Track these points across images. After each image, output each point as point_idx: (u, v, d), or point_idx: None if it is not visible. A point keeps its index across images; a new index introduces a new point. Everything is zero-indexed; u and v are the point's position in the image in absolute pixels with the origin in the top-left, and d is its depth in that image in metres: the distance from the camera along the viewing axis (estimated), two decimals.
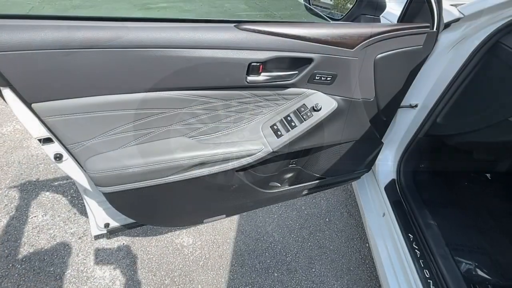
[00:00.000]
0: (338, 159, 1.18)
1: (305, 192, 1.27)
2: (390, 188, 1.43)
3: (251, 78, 0.78)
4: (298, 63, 0.82)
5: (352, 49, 0.83)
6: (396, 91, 1.08)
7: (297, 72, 0.83)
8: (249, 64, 0.75)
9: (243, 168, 0.96)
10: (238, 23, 0.73)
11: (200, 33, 0.68)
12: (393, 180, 1.46)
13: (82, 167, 0.75)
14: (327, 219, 1.80)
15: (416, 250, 1.15)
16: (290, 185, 1.24)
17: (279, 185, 1.24)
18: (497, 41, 0.97)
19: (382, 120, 1.16)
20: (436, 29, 0.97)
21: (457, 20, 1.07)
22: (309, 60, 0.81)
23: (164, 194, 0.90)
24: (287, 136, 0.91)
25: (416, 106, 1.28)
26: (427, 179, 1.58)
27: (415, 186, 1.43)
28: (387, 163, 1.49)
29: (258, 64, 0.76)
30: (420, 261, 1.11)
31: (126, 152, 0.75)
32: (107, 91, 0.67)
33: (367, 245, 1.69)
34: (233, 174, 0.95)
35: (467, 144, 1.16)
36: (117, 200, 0.84)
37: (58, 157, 0.73)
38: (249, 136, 0.92)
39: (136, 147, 0.77)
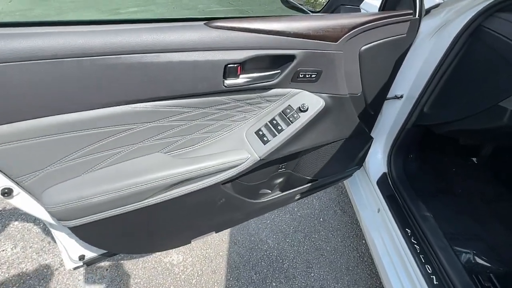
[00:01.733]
0: (329, 159, 1.12)
1: (297, 196, 1.20)
2: (382, 182, 1.39)
3: (229, 81, 0.70)
4: (279, 61, 0.75)
5: (335, 42, 0.77)
6: (383, 83, 1.04)
7: (279, 71, 0.76)
8: (226, 66, 0.66)
9: (230, 180, 0.88)
10: (208, 20, 0.64)
11: (166, 34, 0.59)
12: (384, 173, 1.42)
13: (38, 201, 0.64)
14: (321, 219, 1.75)
15: (415, 245, 1.11)
16: (281, 191, 1.17)
17: (270, 191, 1.17)
18: (479, 25, 0.94)
19: (370, 114, 1.11)
20: (418, 16, 0.92)
21: (437, 5, 1.04)
22: (291, 57, 0.74)
23: (142, 219, 0.80)
24: (274, 142, 0.84)
25: (401, 96, 1.25)
26: (418, 169, 1.57)
27: (407, 177, 1.41)
28: (377, 157, 1.45)
29: (235, 65, 0.68)
30: (421, 256, 1.08)
31: (90, 179, 0.65)
32: (59, 110, 0.56)
33: (363, 241, 1.65)
34: (219, 188, 0.87)
35: (457, 132, 1.14)
36: (86, 233, 0.73)
37: (7, 193, 0.62)
38: (233, 145, 0.84)
39: (102, 171, 0.66)
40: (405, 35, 0.91)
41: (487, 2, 0.92)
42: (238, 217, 1.07)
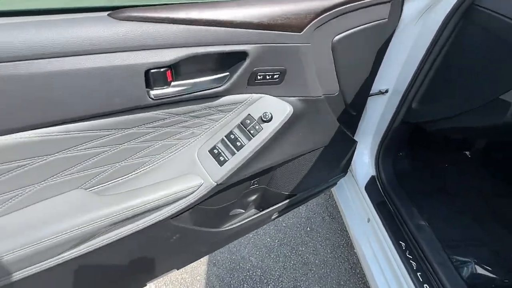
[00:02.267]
0: (308, 170, 0.96)
1: (274, 215, 1.04)
2: (371, 187, 1.25)
3: (157, 91, 0.52)
4: (226, 61, 0.58)
5: (300, 32, 0.61)
6: (364, 78, 0.88)
7: (227, 73, 0.59)
8: (147, 72, 0.49)
9: (181, 212, 0.71)
10: (113, 10, 0.46)
11: (49, 32, 0.41)
12: (373, 177, 1.28)
13: None
14: (308, 228, 1.61)
15: (411, 261, 0.98)
16: (256, 209, 1.01)
17: (243, 211, 1.01)
18: (471, 3, 0.79)
19: (351, 115, 0.96)
20: None
21: None
22: (242, 55, 0.57)
23: (68, 275, 0.62)
24: (233, 162, 0.67)
25: (386, 91, 1.10)
26: (409, 169, 1.43)
27: (398, 179, 1.27)
28: (363, 159, 1.31)
29: (162, 70, 0.50)
30: (418, 274, 0.94)
31: None
32: None
33: (355, 251, 1.52)
34: (169, 223, 0.69)
35: (451, 130, 1.00)
36: None
37: None
38: (182, 169, 0.67)
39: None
40: (387, 19, 0.76)
41: None
42: (202, 250, 0.90)
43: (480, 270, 1.04)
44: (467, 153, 1.57)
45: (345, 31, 0.69)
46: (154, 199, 0.62)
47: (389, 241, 1.05)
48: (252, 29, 0.57)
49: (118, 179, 0.61)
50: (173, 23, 0.49)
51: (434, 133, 1.31)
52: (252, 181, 0.90)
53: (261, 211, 1.00)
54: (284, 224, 1.62)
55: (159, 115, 0.57)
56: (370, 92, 1.09)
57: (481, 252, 1.10)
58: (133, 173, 0.63)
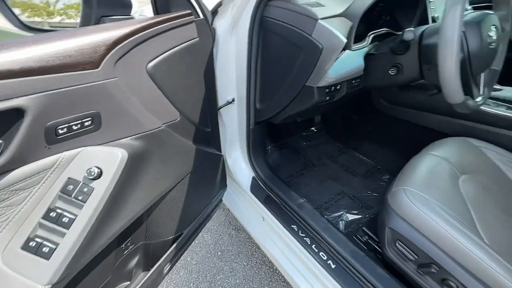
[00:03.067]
0: (184, 202, 0.89)
1: (167, 267, 0.91)
2: (255, 188, 1.32)
3: None
4: None
5: (97, 68, 0.53)
6: (202, 95, 0.90)
7: (1, 142, 0.43)
8: None
9: None
10: None
11: None
12: (253, 178, 1.36)
13: None
14: (219, 253, 1.54)
15: (304, 238, 1.08)
16: (143, 271, 0.85)
17: (128, 282, 0.82)
18: (262, 16, 0.95)
19: (206, 132, 0.96)
20: (203, 16, 0.82)
21: (220, 4, 0.99)
22: (15, 112, 0.44)
23: None
24: (67, 244, 0.51)
25: (233, 100, 1.19)
26: (279, 160, 1.62)
27: (273, 172, 1.40)
28: (241, 165, 1.37)
29: None
30: (313, 247, 1.06)
31: None
32: None
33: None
34: None
35: (292, 117, 1.18)
36: None
37: None
38: None
39: None
40: (198, 38, 0.79)
41: None
42: None
43: (350, 217, 1.29)
44: (313, 128, 1.94)
45: (157, 56, 0.66)
46: None
47: (283, 229, 1.14)
48: (30, 76, 0.44)
49: None
50: None
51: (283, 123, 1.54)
52: (122, 246, 0.75)
53: (150, 270, 0.85)
54: (194, 262, 1.48)
55: None
56: (219, 105, 1.15)
57: (346, 202, 1.37)
58: None
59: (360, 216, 1.28)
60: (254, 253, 1.54)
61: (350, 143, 1.76)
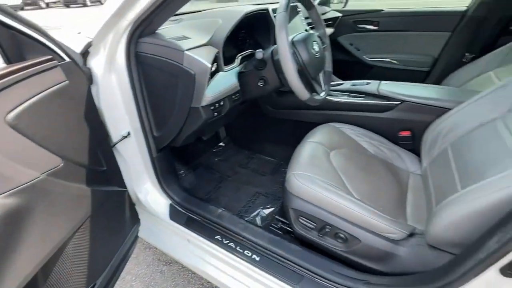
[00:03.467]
0: (91, 248, 0.83)
1: None
2: (174, 215, 1.32)
3: None
4: None
5: None
6: (87, 135, 0.88)
7: None
8: None
9: None
10: None
11: None
12: (171, 205, 1.36)
13: None
14: None
15: (229, 244, 1.16)
16: None
17: None
18: (136, 52, 1.01)
19: (101, 171, 0.93)
20: (70, 58, 0.82)
21: (90, 45, 0.99)
22: None
23: None
24: None
25: (129, 134, 1.18)
26: (193, 181, 1.66)
27: (190, 193, 1.43)
28: (155, 196, 1.34)
29: None
30: (237, 248, 1.14)
31: None
32: None
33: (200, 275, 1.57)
34: None
35: (192, 136, 1.25)
36: None
37: None
38: None
39: None
40: (67, 81, 0.78)
41: (124, 37, 0.98)
42: None
43: (266, 211, 1.45)
44: (221, 143, 2.07)
45: (19, 105, 0.63)
46: None
47: (209, 243, 1.18)
48: None
49: None
50: None
51: (191, 144, 1.60)
52: None
53: None
54: None
55: None
56: (114, 141, 1.12)
57: (261, 200, 1.53)
58: None
59: (273, 208, 1.45)
60: (191, 279, 1.51)
61: (254, 148, 1.97)
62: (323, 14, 2.22)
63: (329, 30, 2.25)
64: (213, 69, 1.02)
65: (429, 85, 1.51)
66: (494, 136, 0.90)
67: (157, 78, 1.03)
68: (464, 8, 1.95)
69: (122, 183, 1.07)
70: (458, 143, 1.04)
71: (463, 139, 1.03)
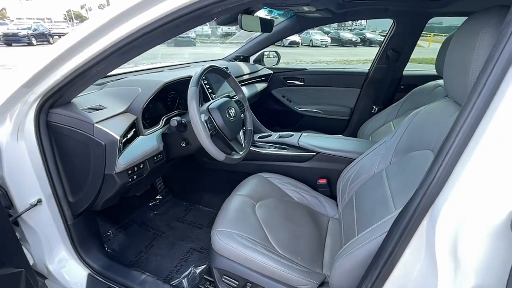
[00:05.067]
0: None
1: None
2: (92, 285, 1.21)
3: None
4: None
5: None
6: None
7: None
8: None
9: None
10: None
11: None
12: (89, 275, 1.24)
13: None
14: None
15: None
16: None
17: None
18: (47, 121, 1.00)
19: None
20: None
21: None
22: None
23: None
24: None
25: (39, 201, 1.10)
26: (125, 241, 1.56)
27: (114, 259, 1.33)
28: (70, 266, 1.22)
29: None
30: None
31: None
32: None
33: None
34: None
35: (109, 201, 1.21)
36: None
37: None
38: None
39: None
40: None
41: (33, 109, 0.97)
42: None
43: (198, 270, 1.40)
44: (159, 196, 2.01)
45: None
46: None
47: None
48: None
49: None
50: None
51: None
52: None
53: None
54: None
55: None
56: (20, 211, 1.04)
57: (195, 257, 1.49)
58: None
59: (205, 265, 1.42)
60: None
61: (193, 199, 1.96)
62: (257, 71, 2.49)
63: (263, 85, 2.51)
64: (129, 135, 1.05)
65: (342, 137, 1.75)
66: (380, 185, 1.06)
67: (69, 146, 1.02)
68: (367, 70, 2.38)
69: (20, 262, 0.96)
70: (359, 191, 1.19)
71: (362, 187, 1.19)
